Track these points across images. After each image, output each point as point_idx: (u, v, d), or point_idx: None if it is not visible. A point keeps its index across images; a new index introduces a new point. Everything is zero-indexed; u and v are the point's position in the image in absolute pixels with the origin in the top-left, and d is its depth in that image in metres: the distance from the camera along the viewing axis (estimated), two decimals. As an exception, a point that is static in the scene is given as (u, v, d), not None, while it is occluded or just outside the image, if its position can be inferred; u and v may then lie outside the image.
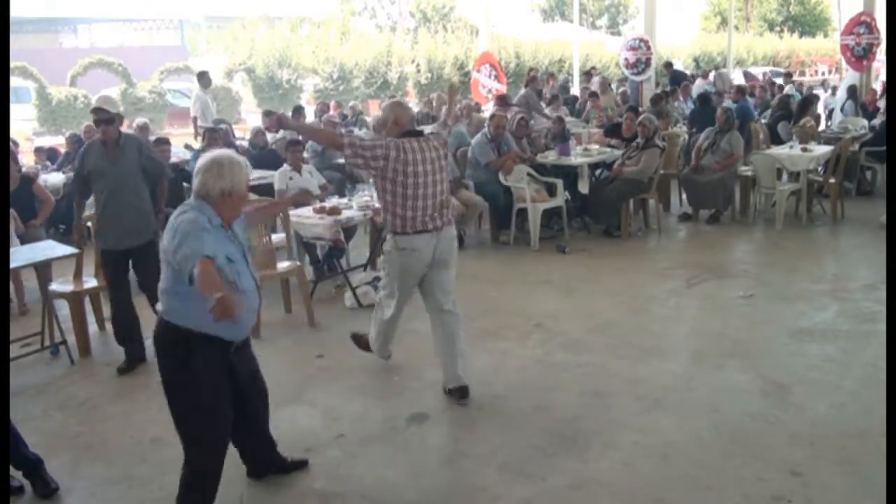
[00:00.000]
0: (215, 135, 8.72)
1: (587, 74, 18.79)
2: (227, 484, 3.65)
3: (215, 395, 3.10)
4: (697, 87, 16.08)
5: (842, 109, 12.76)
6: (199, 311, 2.79)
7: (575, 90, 20.13)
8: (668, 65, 18.03)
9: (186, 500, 3.20)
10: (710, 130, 8.72)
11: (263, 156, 9.12)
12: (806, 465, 3.60)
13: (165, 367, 3.09)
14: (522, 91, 12.24)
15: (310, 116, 13.06)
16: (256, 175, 8.16)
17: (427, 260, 4.23)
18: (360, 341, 4.96)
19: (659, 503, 3.39)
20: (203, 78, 13.11)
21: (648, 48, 14.83)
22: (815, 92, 15.33)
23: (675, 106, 12.88)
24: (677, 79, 15.99)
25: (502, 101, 10.98)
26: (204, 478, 3.19)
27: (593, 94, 13.38)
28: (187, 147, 10.35)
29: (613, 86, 17.00)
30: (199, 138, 10.66)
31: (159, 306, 3.12)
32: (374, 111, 18.36)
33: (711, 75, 19.47)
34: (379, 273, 6.46)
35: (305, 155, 8.42)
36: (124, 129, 5.98)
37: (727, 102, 12.51)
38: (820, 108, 12.27)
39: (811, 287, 6.26)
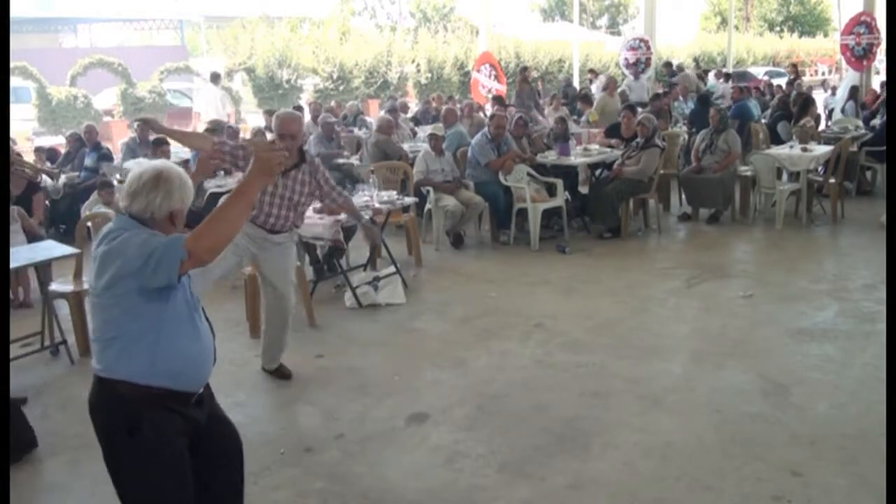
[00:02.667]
0: (215, 134, 8.74)
1: (591, 72, 18.80)
2: (227, 484, 3.65)
3: (172, 473, 2.50)
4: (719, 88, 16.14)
5: (842, 110, 12.76)
6: (147, 358, 2.38)
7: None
8: (668, 64, 18.05)
9: None
10: (707, 131, 8.73)
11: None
12: (806, 465, 3.60)
13: (107, 439, 2.50)
14: (518, 89, 12.29)
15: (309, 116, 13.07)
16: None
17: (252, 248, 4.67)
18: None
19: (659, 503, 3.39)
20: (216, 78, 14.37)
21: (648, 48, 14.84)
22: (813, 92, 15.30)
23: (674, 106, 12.88)
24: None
25: (499, 101, 10.99)
26: None
27: (584, 97, 13.38)
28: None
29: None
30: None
31: (94, 363, 2.50)
32: (374, 111, 18.36)
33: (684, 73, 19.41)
34: (378, 273, 6.49)
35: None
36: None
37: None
38: (820, 108, 12.27)
39: (811, 287, 6.26)
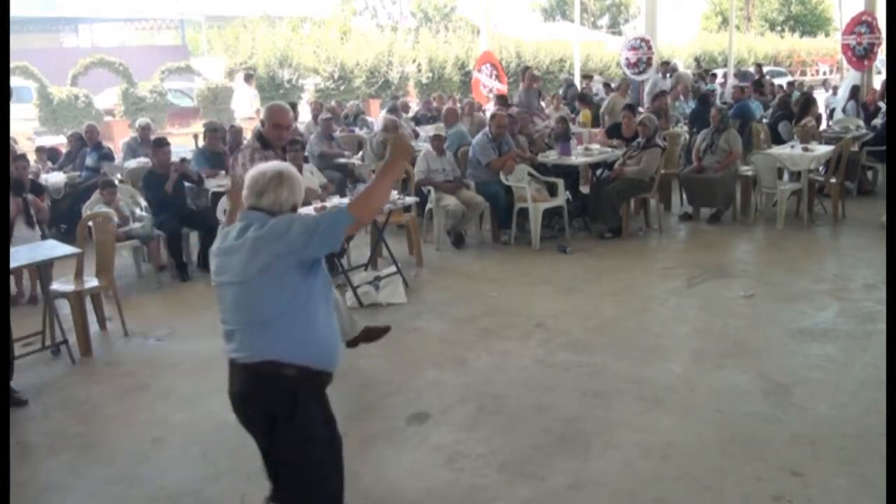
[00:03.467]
0: (216, 134, 8.75)
1: (587, 77, 18.78)
2: (228, 484, 3.66)
3: (329, 452, 2.73)
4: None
5: (844, 110, 12.75)
6: (302, 335, 2.56)
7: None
8: (665, 63, 18.07)
9: None
10: (707, 131, 8.72)
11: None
12: (806, 465, 3.60)
13: (266, 425, 2.63)
14: (520, 89, 12.25)
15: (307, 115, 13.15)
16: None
17: None
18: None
19: (659, 503, 3.39)
20: (249, 78, 15.67)
21: (649, 48, 14.82)
22: (814, 92, 15.30)
23: (675, 106, 12.87)
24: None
25: (502, 101, 10.98)
26: None
27: (581, 97, 13.35)
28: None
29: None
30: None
31: (238, 353, 2.63)
32: (375, 111, 18.36)
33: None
34: (379, 273, 6.50)
35: (305, 154, 8.43)
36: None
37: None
38: (821, 108, 12.26)
39: (812, 287, 6.26)
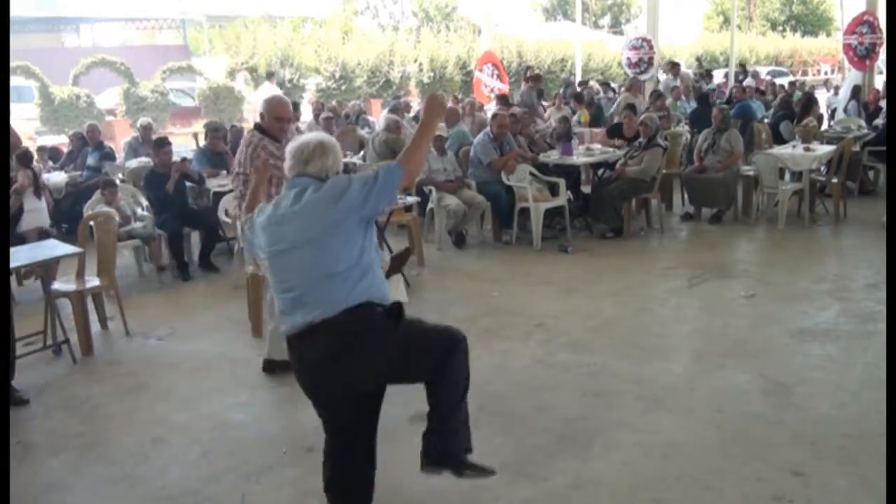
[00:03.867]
0: (217, 133, 8.75)
1: (583, 84, 18.75)
2: (229, 484, 3.66)
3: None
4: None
5: (845, 110, 12.74)
6: (372, 283, 2.73)
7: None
8: (674, 63, 18.07)
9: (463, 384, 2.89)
10: (709, 131, 8.72)
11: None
12: (807, 465, 3.60)
13: (389, 346, 2.75)
14: (522, 89, 12.24)
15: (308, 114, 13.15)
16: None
17: None
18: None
19: (659, 503, 3.39)
20: (271, 76, 17.43)
21: (651, 48, 14.81)
22: (816, 92, 15.29)
23: (676, 105, 12.87)
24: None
25: (503, 100, 10.98)
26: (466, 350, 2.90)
27: (577, 97, 13.35)
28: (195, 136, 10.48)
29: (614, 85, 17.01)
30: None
31: (307, 312, 2.68)
32: (376, 111, 18.36)
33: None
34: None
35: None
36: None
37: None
38: (822, 108, 12.25)
39: (813, 287, 6.25)
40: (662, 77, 15.12)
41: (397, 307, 2.77)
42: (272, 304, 4.78)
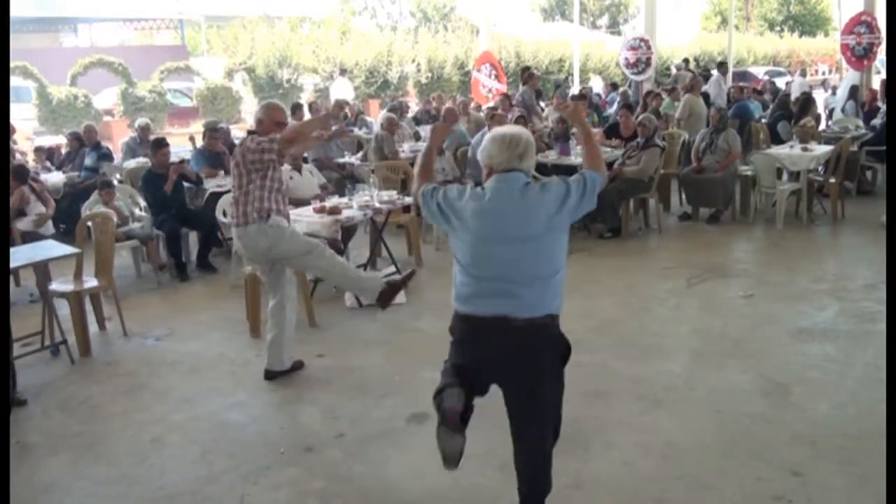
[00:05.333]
0: (215, 134, 8.74)
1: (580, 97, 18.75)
2: (228, 484, 3.66)
3: None
4: (800, 84, 16.10)
5: (843, 110, 12.75)
6: (561, 290, 2.84)
7: (575, 89, 20.14)
8: (686, 60, 18.09)
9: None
10: (706, 131, 8.72)
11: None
12: (806, 464, 3.60)
13: (544, 371, 2.88)
14: (521, 89, 12.22)
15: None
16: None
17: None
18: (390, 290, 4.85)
19: (659, 503, 3.38)
20: (344, 71, 18.57)
21: (649, 48, 14.83)
22: (814, 92, 15.29)
23: (676, 106, 12.87)
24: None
25: (506, 100, 10.98)
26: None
27: (580, 98, 13.33)
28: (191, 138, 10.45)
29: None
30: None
31: (509, 305, 2.76)
32: (374, 111, 18.37)
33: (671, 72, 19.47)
34: (379, 273, 6.48)
35: (305, 154, 8.42)
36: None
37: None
38: (820, 108, 12.26)
39: (811, 287, 6.26)
40: (714, 75, 15.00)
41: (569, 348, 2.94)
42: (276, 311, 4.76)
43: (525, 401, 2.91)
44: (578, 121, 3.22)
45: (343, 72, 19.46)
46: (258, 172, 4.52)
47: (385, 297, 4.79)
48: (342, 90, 17.55)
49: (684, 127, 10.57)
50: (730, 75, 20.33)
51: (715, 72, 15.42)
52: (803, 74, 19.13)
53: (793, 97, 13.07)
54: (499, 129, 2.95)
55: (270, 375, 4.80)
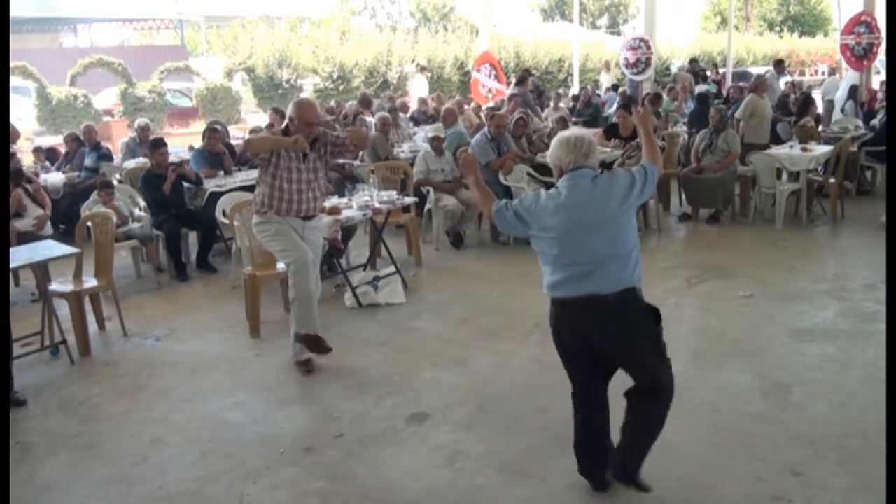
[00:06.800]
0: (215, 134, 8.73)
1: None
2: (227, 484, 3.66)
3: None
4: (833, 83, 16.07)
5: (842, 110, 12.75)
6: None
7: (574, 89, 20.15)
8: (694, 60, 18.10)
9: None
10: (706, 131, 8.72)
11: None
12: (806, 464, 3.60)
13: (645, 332, 3.22)
14: (515, 90, 12.23)
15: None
16: (256, 175, 8.15)
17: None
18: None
19: (659, 503, 3.38)
20: (423, 69, 17.92)
21: (648, 48, 14.82)
22: (813, 92, 15.28)
23: (670, 103, 12.88)
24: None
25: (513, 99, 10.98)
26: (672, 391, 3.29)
27: (586, 104, 13.35)
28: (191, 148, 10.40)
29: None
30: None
31: (594, 284, 3.12)
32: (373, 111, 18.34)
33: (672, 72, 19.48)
34: (378, 273, 6.49)
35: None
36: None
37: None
38: (819, 108, 12.26)
39: (811, 287, 6.26)
40: (769, 74, 14.88)
41: (656, 311, 3.26)
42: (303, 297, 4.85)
43: (628, 356, 3.25)
44: (644, 123, 3.55)
45: (423, 69, 19.16)
46: (259, 166, 4.81)
47: (310, 342, 4.88)
48: (420, 87, 17.41)
49: (744, 129, 9.85)
50: (729, 75, 20.34)
51: (770, 69, 15.18)
52: (832, 73, 18.91)
53: (826, 98, 13.03)
54: (563, 133, 3.31)
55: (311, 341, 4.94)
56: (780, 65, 15.23)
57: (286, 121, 4.79)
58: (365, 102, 12.76)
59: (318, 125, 4.77)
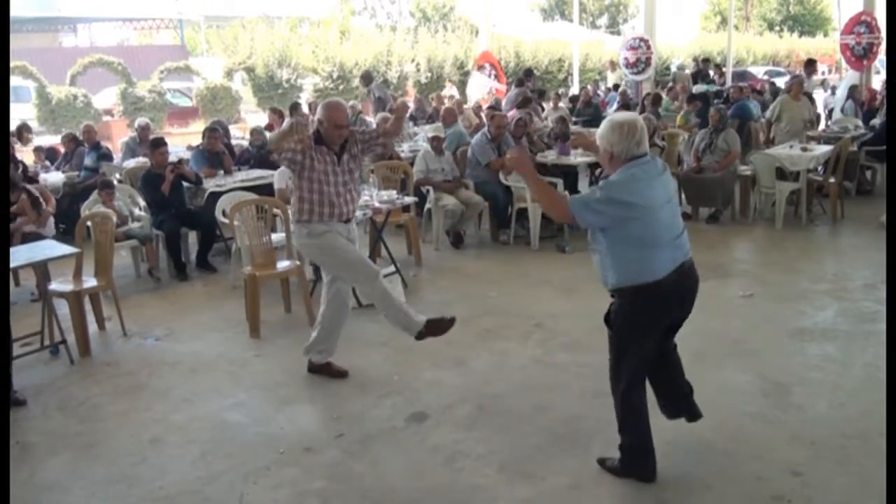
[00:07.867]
0: (215, 134, 8.73)
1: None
2: (227, 484, 3.66)
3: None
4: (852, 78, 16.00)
5: (842, 110, 12.75)
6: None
7: (574, 89, 20.15)
8: (706, 60, 18.09)
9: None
10: (706, 131, 8.72)
11: (263, 156, 9.10)
12: (806, 464, 3.60)
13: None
14: (514, 90, 12.22)
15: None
16: (256, 175, 8.17)
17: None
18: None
19: (659, 503, 3.38)
20: (482, 68, 16.39)
21: (648, 48, 14.84)
22: (813, 92, 15.30)
23: (669, 103, 12.88)
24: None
25: (525, 103, 10.93)
26: (640, 414, 3.57)
27: (587, 104, 13.34)
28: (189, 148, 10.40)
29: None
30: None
31: (686, 251, 3.50)
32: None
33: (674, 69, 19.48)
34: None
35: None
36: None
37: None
38: (819, 108, 12.26)
39: (811, 287, 6.26)
40: (801, 74, 14.79)
41: None
42: (337, 296, 4.76)
43: (676, 330, 3.65)
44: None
45: (480, 68, 18.71)
46: (293, 173, 4.61)
47: (431, 327, 4.67)
48: (478, 85, 17.10)
49: (776, 131, 9.76)
50: (729, 75, 20.34)
51: (801, 71, 15.05)
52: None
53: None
54: (616, 117, 3.36)
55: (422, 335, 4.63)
56: (811, 65, 13.92)
57: (315, 124, 4.62)
58: (366, 78, 12.80)
59: (347, 127, 4.61)
